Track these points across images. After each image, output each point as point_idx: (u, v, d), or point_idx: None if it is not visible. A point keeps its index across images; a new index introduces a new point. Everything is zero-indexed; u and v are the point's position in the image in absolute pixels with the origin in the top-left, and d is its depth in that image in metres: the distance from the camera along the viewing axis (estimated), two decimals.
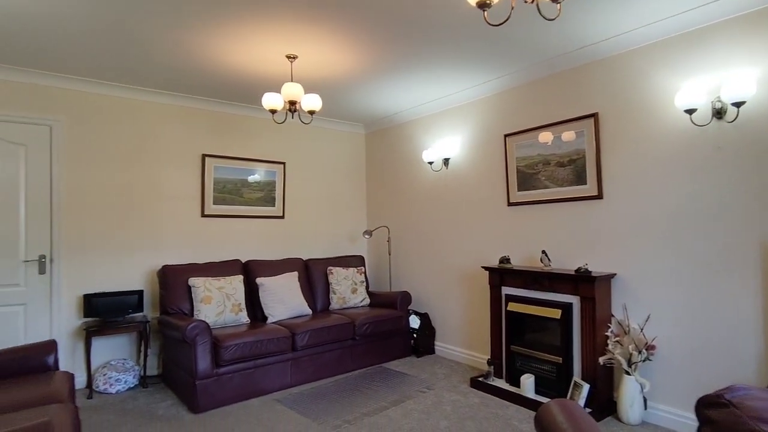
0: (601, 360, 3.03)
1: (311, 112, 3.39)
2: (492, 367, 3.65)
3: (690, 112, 2.72)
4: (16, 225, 3.61)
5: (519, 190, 3.86)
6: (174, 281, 3.88)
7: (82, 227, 3.85)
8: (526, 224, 3.82)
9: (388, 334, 4.40)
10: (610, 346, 3.01)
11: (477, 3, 1.72)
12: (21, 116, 3.63)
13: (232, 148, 4.68)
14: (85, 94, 3.90)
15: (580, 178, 3.43)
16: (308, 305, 4.43)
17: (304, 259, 4.96)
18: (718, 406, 1.01)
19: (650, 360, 2.95)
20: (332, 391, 3.65)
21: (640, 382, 2.91)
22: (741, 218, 2.63)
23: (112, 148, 4.02)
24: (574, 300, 3.23)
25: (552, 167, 3.61)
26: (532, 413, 3.18)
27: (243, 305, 4.00)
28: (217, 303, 3.83)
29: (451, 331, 4.53)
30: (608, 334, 3.09)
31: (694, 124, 2.81)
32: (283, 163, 5.01)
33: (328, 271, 4.78)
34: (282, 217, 4.99)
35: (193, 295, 3.84)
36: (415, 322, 4.69)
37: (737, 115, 2.62)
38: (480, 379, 3.67)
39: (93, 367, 3.83)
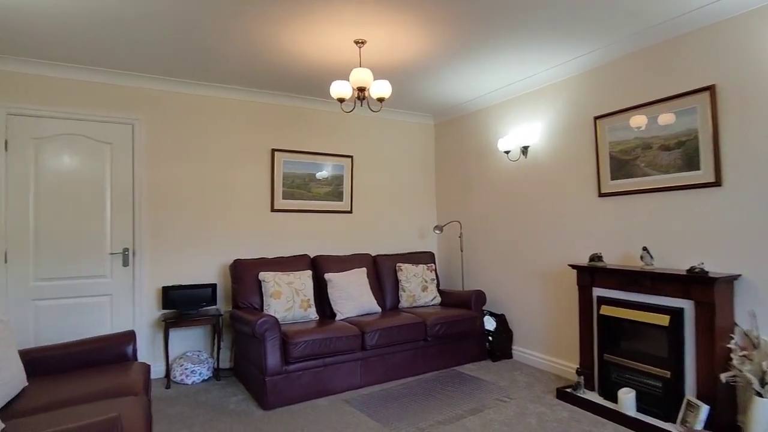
0: (723, 377, 2.55)
1: (380, 100, 3.20)
2: (582, 377, 3.25)
3: None
4: (103, 219, 3.78)
5: (612, 179, 3.41)
6: (245, 275, 3.88)
7: (160, 222, 3.97)
8: (620, 217, 3.37)
9: (462, 336, 4.12)
10: (735, 362, 2.52)
11: None
12: (106, 116, 3.80)
13: (301, 143, 4.63)
14: (161, 92, 4.01)
15: (690, 163, 2.93)
16: (377, 303, 4.27)
17: (373, 254, 4.81)
18: None
19: None
20: (403, 394, 3.45)
21: None
22: None
23: (187, 145, 4.10)
24: (686, 305, 2.75)
25: (654, 151, 3.14)
26: None
27: (312, 301, 3.91)
28: (287, 298, 3.77)
29: (531, 334, 4.15)
30: (731, 346, 2.59)
31: None
32: (351, 157, 4.88)
33: (397, 268, 4.59)
34: (350, 211, 4.88)
35: (263, 289, 3.81)
36: (490, 323, 4.36)
37: None
38: (568, 390, 3.28)
39: (171, 357, 3.93)
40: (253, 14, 2.82)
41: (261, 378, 3.23)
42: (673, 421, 2.74)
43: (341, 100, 3.24)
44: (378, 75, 3.89)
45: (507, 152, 4.24)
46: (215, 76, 3.96)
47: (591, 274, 3.32)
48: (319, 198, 4.71)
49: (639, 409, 2.92)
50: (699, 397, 2.65)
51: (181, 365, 3.76)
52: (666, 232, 3.08)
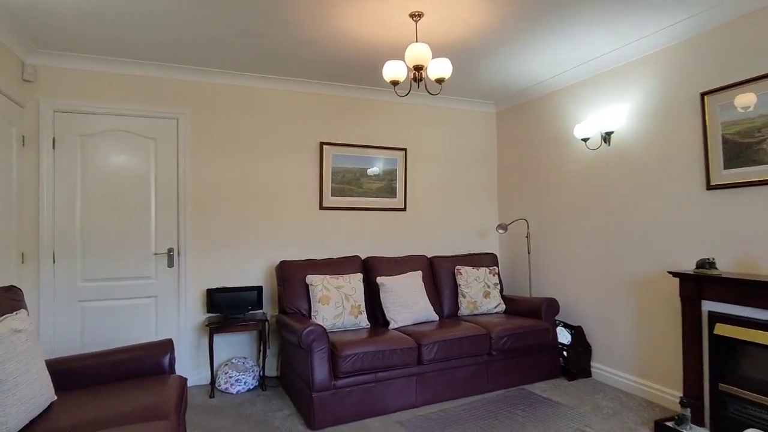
0: None
1: (439, 81, 2.78)
2: (688, 409, 2.67)
3: None
4: (148, 218, 3.64)
5: (726, 168, 2.78)
6: (291, 278, 3.60)
7: (204, 220, 3.78)
8: (736, 214, 2.74)
9: (532, 350, 3.62)
10: None
11: None
12: (151, 110, 3.65)
13: (351, 135, 4.29)
14: (206, 84, 3.81)
15: None
16: (434, 310, 3.85)
17: (429, 256, 4.39)
18: None
19: None
20: (465, 417, 3.02)
21: None
22: None
23: (232, 140, 3.89)
24: None
25: None
26: None
27: (363, 307, 3.56)
28: (336, 304, 3.45)
29: (615, 350, 3.57)
30: None
31: None
32: (405, 150, 4.49)
33: (456, 271, 4.14)
34: (403, 209, 4.49)
35: (310, 293, 3.51)
36: (564, 336, 3.82)
37: None
38: (669, 424, 2.70)
39: (216, 363, 3.73)
40: None
41: (308, 393, 2.92)
42: None
43: (395, 83, 2.86)
44: (436, 54, 3.47)
45: (585, 140, 3.67)
46: (261, 67, 3.70)
47: (699, 283, 2.72)
48: (370, 194, 4.36)
49: None
50: None
51: (226, 373, 3.55)
52: None
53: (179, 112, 3.73)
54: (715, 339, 2.64)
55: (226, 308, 3.63)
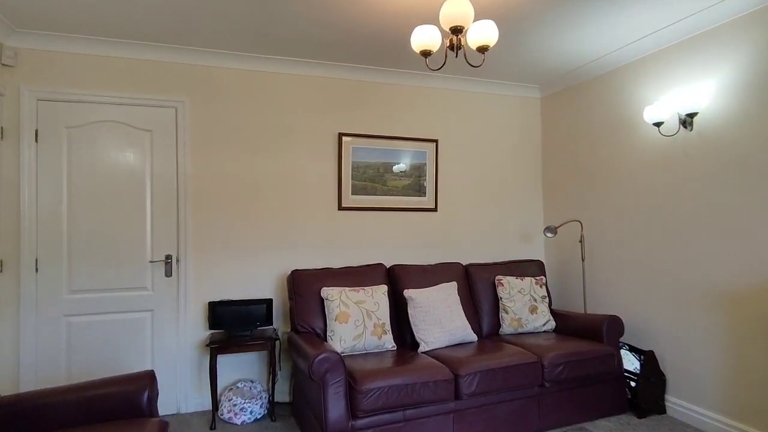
0: None
1: (482, 50, 2.20)
2: None
3: None
4: (143, 220, 3.20)
5: None
6: (304, 291, 3.09)
7: (207, 223, 3.31)
8: None
9: (592, 380, 2.99)
10: None
11: None
12: (146, 98, 3.20)
13: (373, 125, 3.75)
14: (209, 68, 3.34)
15: None
16: (472, 328, 3.26)
17: (464, 264, 3.80)
18: None
19: None
20: None
21: None
22: None
23: (238, 131, 3.40)
24: None
25: None
26: None
27: (387, 326, 3.02)
28: (356, 322, 2.92)
29: (696, 382, 2.91)
30: None
31: None
32: (435, 141, 3.92)
33: (496, 282, 3.55)
34: (434, 209, 3.91)
35: (326, 309, 2.99)
36: (631, 362, 3.17)
37: None
38: None
39: (220, 387, 3.26)
40: None
41: None
42: None
43: (426, 54, 2.30)
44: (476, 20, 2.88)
45: (658, 124, 3.01)
46: (272, 47, 3.20)
47: None
48: (396, 192, 3.81)
49: None
50: None
51: (230, 400, 3.07)
52: None
53: (178, 100, 3.27)
54: None
55: (231, 324, 3.15)
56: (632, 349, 3.22)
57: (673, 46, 3.02)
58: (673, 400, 3.05)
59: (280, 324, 3.45)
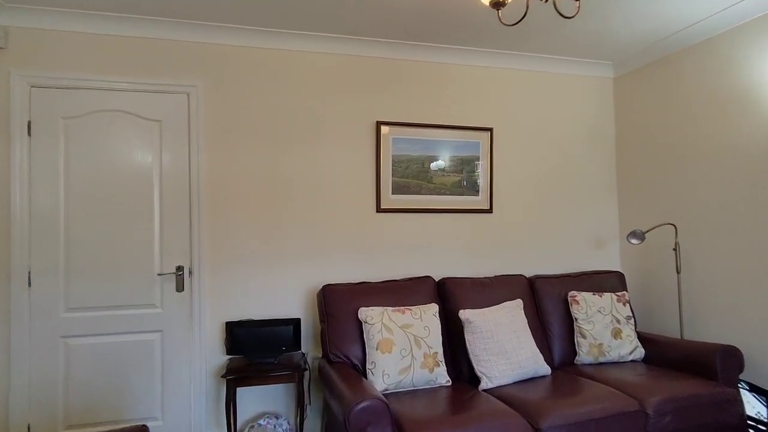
0: None
1: None
2: None
3: None
4: (151, 226, 2.74)
5: None
6: (338, 311, 2.55)
7: (224, 229, 2.82)
8: None
9: (707, 430, 2.32)
10: None
11: None
12: (153, 83, 2.75)
13: (417, 112, 3.18)
14: (225, 48, 2.86)
15: None
16: (543, 358, 2.64)
17: (528, 276, 3.17)
18: None
19: None
20: None
21: None
22: None
23: (259, 121, 2.90)
24: None
25: None
26: None
27: (440, 356, 2.45)
28: (402, 351, 2.36)
29: None
30: None
31: None
32: (490, 130, 3.31)
33: (569, 298, 2.91)
34: (489, 210, 3.31)
35: (365, 335, 2.44)
36: (754, 407, 2.48)
37: None
38: None
39: (240, 423, 2.76)
40: None
41: None
42: None
43: (499, 5, 1.71)
44: None
45: None
46: (296, 21, 2.69)
47: None
48: (443, 191, 3.22)
49: None
50: None
51: None
52: None
53: (190, 85, 2.80)
54: None
55: (252, 349, 2.64)
56: (753, 389, 2.52)
57: None
58: None
59: (310, 347, 2.92)
